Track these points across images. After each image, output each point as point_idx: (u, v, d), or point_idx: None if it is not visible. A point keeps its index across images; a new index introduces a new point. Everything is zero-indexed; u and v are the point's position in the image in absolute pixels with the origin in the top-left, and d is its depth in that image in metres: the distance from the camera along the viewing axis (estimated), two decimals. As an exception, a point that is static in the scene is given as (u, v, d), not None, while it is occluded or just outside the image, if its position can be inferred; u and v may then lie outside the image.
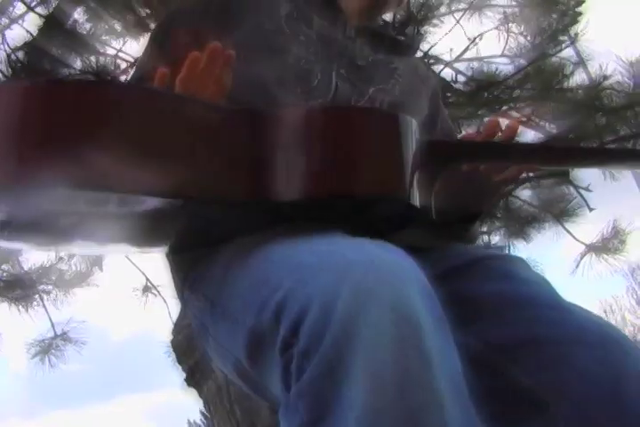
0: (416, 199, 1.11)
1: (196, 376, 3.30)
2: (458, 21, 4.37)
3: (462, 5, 4.89)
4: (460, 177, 1.29)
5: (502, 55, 4.56)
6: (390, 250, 1.00)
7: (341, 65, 1.47)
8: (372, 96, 1.47)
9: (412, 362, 0.86)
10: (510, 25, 4.55)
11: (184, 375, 3.36)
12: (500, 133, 1.29)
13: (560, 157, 1.27)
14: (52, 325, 4.88)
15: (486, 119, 1.53)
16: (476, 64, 4.53)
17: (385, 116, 1.15)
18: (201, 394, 3.34)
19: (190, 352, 3.23)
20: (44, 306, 4.63)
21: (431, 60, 4.41)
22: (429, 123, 1.57)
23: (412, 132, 1.13)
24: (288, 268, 1.00)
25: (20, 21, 4.08)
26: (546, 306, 1.23)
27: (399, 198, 1.08)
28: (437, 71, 4.43)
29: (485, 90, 4.65)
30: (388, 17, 1.79)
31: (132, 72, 1.59)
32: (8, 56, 4.07)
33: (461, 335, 1.06)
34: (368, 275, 0.91)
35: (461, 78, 4.52)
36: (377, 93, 1.48)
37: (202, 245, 1.24)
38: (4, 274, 4.79)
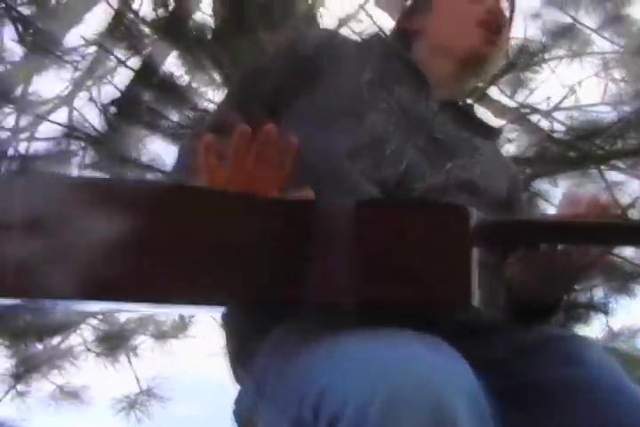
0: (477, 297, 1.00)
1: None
2: (554, 70, 4.24)
3: (560, 52, 4.80)
4: (536, 261, 1.23)
5: (603, 103, 4.43)
6: (439, 350, 0.99)
7: (420, 137, 1.42)
8: (447, 171, 1.40)
9: None
10: (610, 71, 4.43)
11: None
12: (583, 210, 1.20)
13: None
14: (137, 380, 4.89)
15: (564, 193, 1.45)
16: (575, 113, 4.40)
17: (444, 211, 1.03)
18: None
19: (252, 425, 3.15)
20: (129, 361, 4.63)
21: (527, 110, 4.30)
22: (505, 208, 1.50)
23: (470, 224, 1.02)
24: (330, 362, 1.00)
25: (114, 75, 4.17)
26: (612, 390, 1.18)
27: (460, 305, 1.00)
28: (536, 121, 4.31)
29: (586, 139, 4.52)
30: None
31: (206, 121, 1.56)
32: (103, 110, 4.15)
33: (527, 420, 1.12)
34: (405, 379, 0.91)
35: (560, 128, 4.39)
36: (454, 170, 1.41)
37: (255, 320, 1.24)
38: (97, 328, 4.84)
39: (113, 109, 3.97)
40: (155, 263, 0.91)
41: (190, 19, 3.42)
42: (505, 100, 4.55)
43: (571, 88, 4.29)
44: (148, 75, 3.88)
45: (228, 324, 1.36)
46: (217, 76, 3.62)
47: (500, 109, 4.49)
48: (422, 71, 1.52)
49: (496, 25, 1.55)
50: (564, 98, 4.35)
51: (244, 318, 1.28)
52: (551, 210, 4.80)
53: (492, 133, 1.61)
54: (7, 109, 4.76)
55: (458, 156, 1.44)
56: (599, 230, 1.09)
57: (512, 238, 1.08)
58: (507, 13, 1.61)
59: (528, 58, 4.81)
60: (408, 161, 1.37)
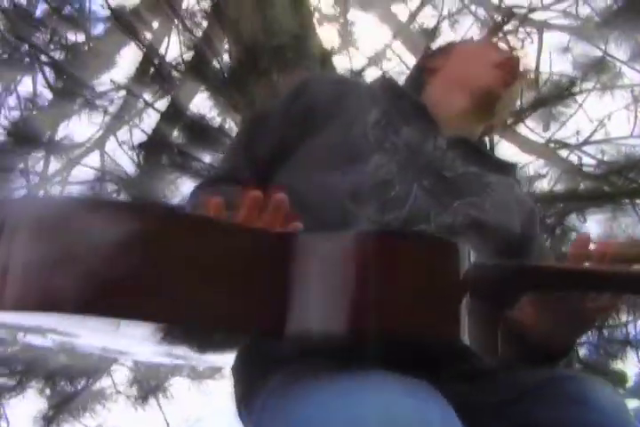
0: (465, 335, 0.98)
1: None
2: (582, 103, 4.21)
3: (590, 85, 4.77)
4: (550, 304, 1.21)
5: (633, 136, 4.38)
6: (416, 395, 0.99)
7: (426, 176, 1.42)
8: (455, 210, 1.40)
9: None
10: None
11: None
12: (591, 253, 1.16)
13: None
14: (167, 424, 4.87)
15: (576, 237, 1.41)
16: (605, 147, 4.36)
17: (432, 246, 1.01)
18: None
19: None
20: (158, 404, 4.63)
21: (557, 145, 4.27)
22: (519, 245, 1.49)
23: (466, 260, 1.01)
24: (310, 411, 1.02)
25: (142, 118, 4.23)
26: None
27: (447, 339, 0.99)
28: (565, 156, 4.27)
29: (619, 173, 4.47)
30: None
31: (214, 171, 1.60)
32: (134, 153, 4.19)
33: None
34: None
35: (591, 161, 4.34)
36: (462, 207, 1.41)
37: (255, 367, 1.25)
38: (133, 369, 4.85)
39: (141, 152, 3.99)
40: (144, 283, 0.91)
41: (214, 61, 3.47)
42: (534, 136, 4.52)
43: (600, 121, 4.24)
44: (176, 116, 3.92)
45: (235, 370, 1.36)
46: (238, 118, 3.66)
47: (529, 145, 4.46)
48: (430, 110, 1.54)
49: (512, 68, 1.61)
50: (594, 131, 4.30)
51: (246, 365, 1.29)
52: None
53: (506, 169, 1.61)
54: (40, 154, 4.82)
55: (467, 193, 1.44)
56: (595, 278, 1.06)
57: (509, 283, 1.05)
58: (522, 63, 1.66)
59: (559, 92, 4.79)
60: (412, 202, 1.36)
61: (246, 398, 1.28)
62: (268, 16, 2.96)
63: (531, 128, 4.43)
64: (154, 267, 0.93)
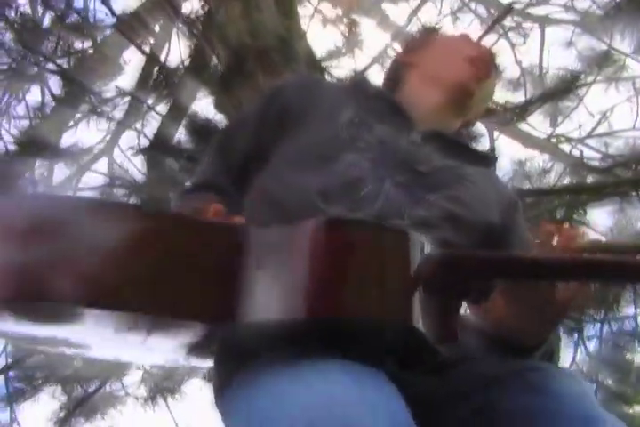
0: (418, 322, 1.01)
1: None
2: (581, 98, 4.20)
3: (594, 78, 4.77)
4: (516, 297, 1.21)
5: (635, 128, 4.37)
6: (366, 386, 1.02)
7: (400, 172, 1.43)
8: (431, 203, 1.41)
9: None
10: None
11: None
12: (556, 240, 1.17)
13: (614, 271, 1.08)
14: (176, 424, 4.92)
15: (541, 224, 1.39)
16: (608, 140, 4.35)
17: (381, 233, 1.05)
18: None
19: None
20: (166, 405, 4.67)
21: (560, 139, 4.26)
22: (499, 237, 1.48)
23: (418, 249, 1.04)
24: (263, 402, 1.07)
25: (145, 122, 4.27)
26: (576, 422, 1.15)
27: (397, 324, 1.01)
28: (568, 151, 4.27)
29: (624, 165, 4.46)
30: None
31: (195, 177, 1.64)
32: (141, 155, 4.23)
33: None
34: (321, 417, 0.95)
35: (594, 155, 4.33)
36: (438, 201, 1.42)
37: (228, 359, 1.27)
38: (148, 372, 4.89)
39: (144, 157, 4.03)
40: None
41: (210, 64, 3.50)
42: (536, 130, 4.52)
43: (603, 114, 4.23)
44: (179, 120, 3.95)
45: (214, 362, 1.36)
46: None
47: (531, 139, 4.46)
48: (404, 106, 1.56)
49: (485, 64, 1.63)
50: (598, 124, 4.29)
51: (221, 357, 1.30)
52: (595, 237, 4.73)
53: (485, 161, 1.62)
54: (49, 162, 4.87)
55: (443, 186, 1.45)
56: (551, 266, 1.08)
57: (462, 273, 1.07)
58: (493, 57, 1.69)
59: (564, 87, 4.78)
60: (385, 198, 1.38)
61: (220, 389, 1.30)
62: (255, 20, 3.01)
63: (530, 124, 4.42)
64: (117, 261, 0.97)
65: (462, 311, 1.25)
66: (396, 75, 1.71)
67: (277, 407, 1.03)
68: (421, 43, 1.75)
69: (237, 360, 1.21)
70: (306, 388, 1.01)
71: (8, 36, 4.77)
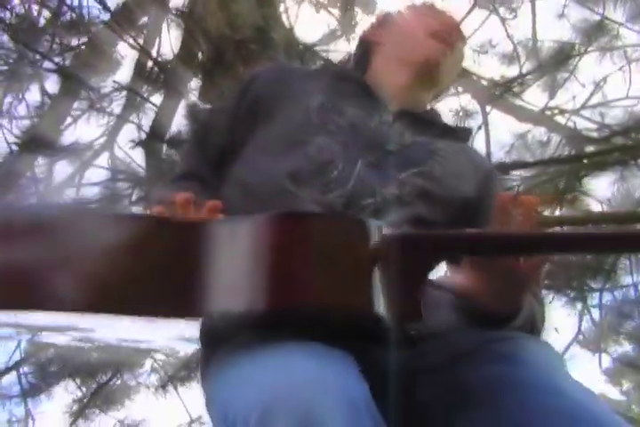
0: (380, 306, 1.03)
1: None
2: (573, 69, 4.19)
3: (588, 49, 4.76)
4: (486, 269, 1.21)
5: (628, 97, 4.36)
6: (323, 363, 1.04)
7: (371, 152, 1.45)
8: (402, 181, 1.42)
9: None
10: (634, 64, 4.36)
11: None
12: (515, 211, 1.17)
13: (566, 243, 1.11)
14: (187, 410, 5.01)
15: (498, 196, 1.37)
16: (603, 110, 4.34)
17: (336, 223, 1.07)
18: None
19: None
20: (177, 393, 4.73)
21: (554, 111, 4.27)
22: (475, 210, 1.48)
23: (374, 235, 1.06)
24: (234, 381, 1.11)
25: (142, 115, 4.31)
26: (539, 391, 1.16)
27: (355, 311, 1.04)
28: (564, 122, 4.27)
29: (622, 134, 4.46)
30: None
31: (178, 168, 1.68)
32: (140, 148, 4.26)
33: (463, 421, 1.15)
34: (278, 394, 0.98)
35: (591, 125, 4.33)
36: (410, 178, 1.43)
37: (208, 343, 1.31)
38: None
39: (143, 150, 4.07)
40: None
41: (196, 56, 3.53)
42: (530, 104, 4.52)
43: (597, 84, 4.23)
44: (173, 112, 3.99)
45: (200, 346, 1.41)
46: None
47: (525, 113, 4.47)
48: (374, 86, 1.57)
49: (449, 37, 1.62)
50: (592, 95, 4.29)
51: (203, 342, 1.32)
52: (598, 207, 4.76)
53: (458, 134, 1.63)
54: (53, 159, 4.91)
55: (414, 163, 1.46)
56: (507, 240, 1.11)
57: (420, 252, 1.08)
58: (457, 27, 1.68)
59: (560, 59, 4.78)
60: (356, 179, 1.39)
61: (201, 372, 1.35)
62: (232, 11, 3.03)
63: (522, 98, 4.42)
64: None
65: (437, 284, 1.29)
66: (363, 54, 1.72)
67: (236, 390, 1.07)
68: (384, 19, 1.74)
69: (211, 345, 1.26)
70: (263, 370, 1.05)
71: (5, 37, 4.84)
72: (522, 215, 1.16)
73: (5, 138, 4.73)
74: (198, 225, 1.07)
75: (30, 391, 4.55)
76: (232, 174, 1.47)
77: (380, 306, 1.02)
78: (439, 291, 1.28)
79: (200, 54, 3.40)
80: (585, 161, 4.49)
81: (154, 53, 4.24)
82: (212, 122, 1.64)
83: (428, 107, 1.72)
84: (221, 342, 1.21)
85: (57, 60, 4.80)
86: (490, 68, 4.82)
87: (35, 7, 5.04)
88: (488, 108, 4.19)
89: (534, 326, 1.37)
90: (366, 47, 1.72)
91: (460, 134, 1.65)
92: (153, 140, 4.13)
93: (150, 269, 1.03)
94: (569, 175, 4.48)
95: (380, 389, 1.10)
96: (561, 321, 4.25)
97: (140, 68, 4.36)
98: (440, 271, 1.44)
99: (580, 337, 4.26)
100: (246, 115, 1.53)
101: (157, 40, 4.45)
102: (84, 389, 4.62)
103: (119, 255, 1.03)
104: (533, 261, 1.20)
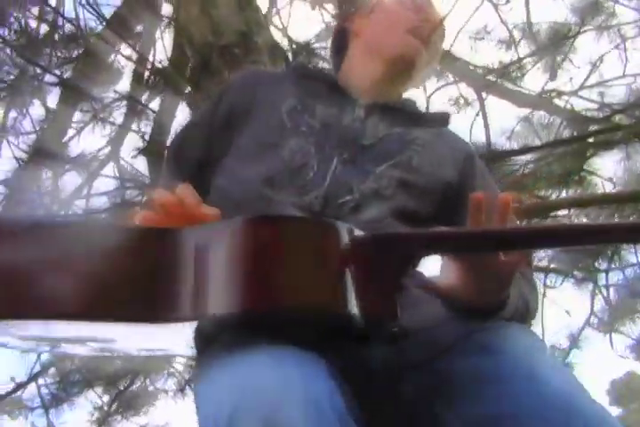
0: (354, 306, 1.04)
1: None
2: (568, 50, 4.18)
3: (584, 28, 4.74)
4: (467, 264, 1.19)
5: (625, 75, 4.34)
6: (288, 364, 1.05)
7: (345, 149, 1.45)
8: (379, 174, 1.43)
9: None
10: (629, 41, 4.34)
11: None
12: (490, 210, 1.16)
13: (540, 238, 1.11)
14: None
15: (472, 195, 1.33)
16: (602, 89, 4.33)
17: (306, 227, 1.09)
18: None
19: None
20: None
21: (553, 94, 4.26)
22: (457, 195, 1.46)
23: (345, 236, 1.07)
24: (209, 385, 1.13)
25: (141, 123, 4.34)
26: (517, 379, 1.17)
27: (327, 312, 1.05)
28: (563, 105, 4.26)
29: (624, 112, 4.44)
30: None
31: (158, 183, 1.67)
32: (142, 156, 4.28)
33: (447, 413, 1.17)
34: (244, 397, 1.00)
35: (590, 105, 4.32)
36: (386, 170, 1.44)
37: (197, 345, 1.31)
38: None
39: (145, 157, 4.10)
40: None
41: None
42: (526, 89, 4.51)
43: (593, 64, 4.21)
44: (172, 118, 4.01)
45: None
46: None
47: (522, 98, 4.46)
48: (345, 82, 1.57)
49: (425, 34, 1.60)
50: (589, 75, 4.27)
51: (195, 344, 1.32)
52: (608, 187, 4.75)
53: (435, 121, 1.62)
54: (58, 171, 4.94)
55: (390, 155, 1.46)
56: (477, 238, 1.12)
57: (391, 252, 1.10)
58: (438, 25, 1.64)
59: (558, 40, 4.77)
60: (332, 177, 1.40)
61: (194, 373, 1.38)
62: (214, 17, 3.05)
63: (518, 83, 4.41)
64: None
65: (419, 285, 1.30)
66: (339, 44, 1.71)
67: (210, 392, 1.10)
68: (361, 9, 1.73)
69: (198, 348, 1.27)
70: (233, 374, 1.07)
71: (6, 53, 4.87)
72: (499, 213, 1.15)
73: (13, 152, 4.81)
74: (174, 231, 1.09)
75: (52, 402, 4.60)
76: (213, 185, 1.48)
77: (354, 306, 1.03)
78: (420, 290, 1.27)
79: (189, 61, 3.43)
80: (590, 140, 4.49)
81: (150, 60, 4.25)
82: (187, 137, 1.64)
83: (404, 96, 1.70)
84: (206, 345, 1.22)
85: (58, 72, 4.85)
86: (487, 55, 4.82)
87: (32, 21, 5.12)
88: (485, 95, 4.18)
89: (527, 310, 1.37)
90: (342, 36, 1.71)
91: (438, 120, 1.64)
92: (153, 146, 4.16)
93: (129, 277, 1.05)
94: (574, 156, 4.47)
95: (363, 387, 1.13)
96: (572, 304, 4.27)
97: (138, 76, 4.39)
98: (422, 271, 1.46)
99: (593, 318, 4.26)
100: (221, 126, 1.53)
101: (152, 48, 4.48)
102: (104, 397, 4.67)
103: (96, 264, 1.04)
104: (513, 255, 1.19)
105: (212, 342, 1.19)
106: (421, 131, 1.53)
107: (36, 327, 1.08)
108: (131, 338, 1.23)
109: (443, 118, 1.65)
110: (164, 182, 1.59)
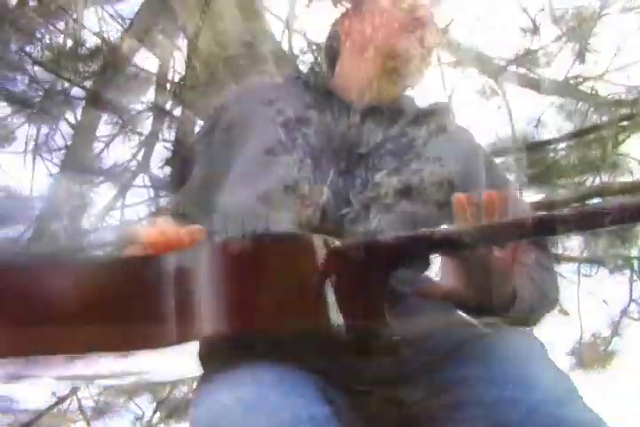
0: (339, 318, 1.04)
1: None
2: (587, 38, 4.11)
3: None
4: (465, 264, 1.19)
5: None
6: (274, 386, 1.06)
7: (341, 159, 1.44)
8: (378, 183, 1.41)
9: None
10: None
11: None
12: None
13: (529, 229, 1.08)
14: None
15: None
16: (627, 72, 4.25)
17: (282, 244, 1.08)
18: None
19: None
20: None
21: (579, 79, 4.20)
22: (465, 190, 1.35)
23: (322, 249, 1.06)
24: (201, 409, 1.12)
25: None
26: (510, 387, 1.16)
27: (311, 328, 1.04)
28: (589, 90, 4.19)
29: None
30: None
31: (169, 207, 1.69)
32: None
33: (449, 423, 1.16)
34: (231, 421, 1.02)
35: (615, 89, 4.25)
36: (385, 179, 1.41)
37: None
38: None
39: (171, 167, 4.12)
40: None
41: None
42: (546, 77, 4.45)
43: (617, 47, 4.14)
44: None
45: None
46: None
47: (546, 85, 4.39)
48: (337, 90, 1.56)
49: (418, 32, 1.58)
50: (614, 57, 4.20)
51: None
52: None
53: (434, 115, 1.58)
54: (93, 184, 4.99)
55: (388, 162, 1.44)
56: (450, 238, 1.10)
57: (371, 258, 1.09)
58: (431, 23, 1.61)
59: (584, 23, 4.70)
60: (330, 191, 1.38)
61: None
62: (219, 29, 3.05)
63: (537, 73, 4.34)
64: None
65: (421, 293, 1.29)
66: (332, 49, 1.70)
67: (196, 410, 1.11)
68: (352, 8, 1.70)
69: (200, 366, 1.26)
70: (217, 392, 1.09)
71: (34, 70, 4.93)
72: (486, 211, 1.14)
73: (47, 168, 4.87)
74: (157, 259, 1.09)
75: (93, 414, 4.66)
76: (217, 204, 1.47)
77: (337, 319, 1.03)
78: (422, 297, 1.26)
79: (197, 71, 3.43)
80: (625, 123, 4.42)
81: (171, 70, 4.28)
82: (190, 159, 1.63)
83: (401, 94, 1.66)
84: (202, 365, 1.23)
85: (86, 85, 4.90)
86: (511, 44, 4.75)
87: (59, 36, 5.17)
88: (506, 85, 4.14)
89: (546, 298, 1.38)
90: (336, 40, 1.69)
91: (437, 113, 1.60)
92: (178, 156, 4.17)
93: (117, 305, 1.06)
94: (607, 141, 4.41)
95: (363, 398, 1.15)
96: (610, 293, 4.20)
97: (160, 86, 4.41)
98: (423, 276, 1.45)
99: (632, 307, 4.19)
100: (219, 146, 1.53)
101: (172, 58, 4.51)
102: (145, 407, 4.73)
103: (83, 297, 1.06)
104: (507, 250, 1.18)
105: (204, 365, 1.20)
106: (421, 129, 1.52)
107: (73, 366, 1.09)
108: (161, 367, 1.24)
109: (442, 109, 1.62)
110: (172, 209, 1.59)
